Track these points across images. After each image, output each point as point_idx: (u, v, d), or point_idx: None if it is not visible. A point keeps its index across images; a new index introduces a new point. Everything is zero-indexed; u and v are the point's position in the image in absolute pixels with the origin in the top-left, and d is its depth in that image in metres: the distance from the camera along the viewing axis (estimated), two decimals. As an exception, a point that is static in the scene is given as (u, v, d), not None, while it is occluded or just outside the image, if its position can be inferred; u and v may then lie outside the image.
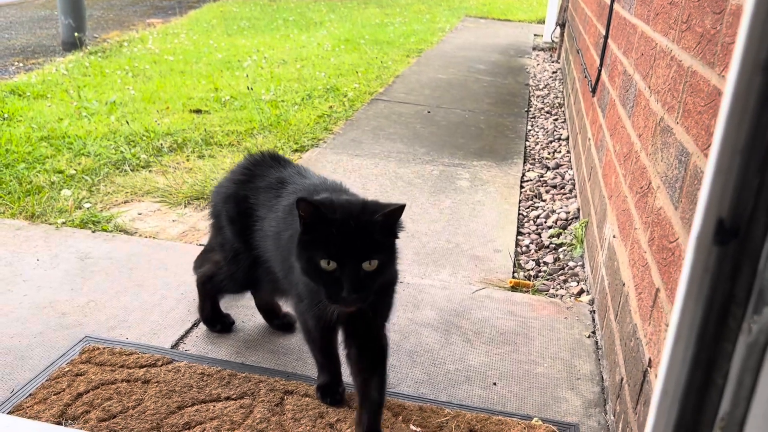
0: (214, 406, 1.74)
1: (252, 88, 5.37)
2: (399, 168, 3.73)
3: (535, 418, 1.76)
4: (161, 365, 1.90)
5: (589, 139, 3.30)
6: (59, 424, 1.65)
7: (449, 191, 3.44)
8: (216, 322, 2.12)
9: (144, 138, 4.03)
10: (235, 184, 1.93)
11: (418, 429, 1.70)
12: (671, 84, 1.71)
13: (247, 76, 5.89)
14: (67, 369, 1.85)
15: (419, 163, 3.85)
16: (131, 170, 3.52)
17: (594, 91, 3.40)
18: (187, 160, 3.72)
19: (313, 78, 5.91)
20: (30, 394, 1.74)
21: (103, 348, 1.95)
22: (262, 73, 6.09)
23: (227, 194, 1.94)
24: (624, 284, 1.90)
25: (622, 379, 1.75)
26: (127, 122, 4.25)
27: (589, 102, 3.59)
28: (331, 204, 1.49)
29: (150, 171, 3.55)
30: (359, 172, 3.62)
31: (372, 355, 1.66)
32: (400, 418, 1.74)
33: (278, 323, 2.16)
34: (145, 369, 1.87)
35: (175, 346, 2.04)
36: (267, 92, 5.29)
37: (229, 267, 1.95)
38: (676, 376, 0.63)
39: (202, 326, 2.13)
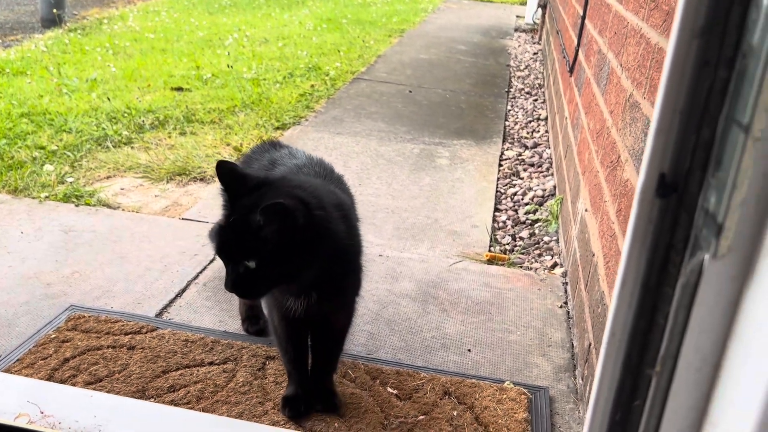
0: (198, 371, 1.80)
1: (232, 66, 5.38)
2: (380, 146, 3.78)
3: (507, 382, 1.84)
4: (146, 332, 1.95)
5: (566, 118, 3.37)
6: (47, 387, 1.70)
7: (429, 169, 3.50)
8: (246, 320, 2.03)
9: (125, 115, 4.03)
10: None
11: (395, 391, 1.77)
12: (640, 61, 1.78)
13: (229, 54, 5.89)
14: (53, 336, 1.90)
15: (400, 141, 3.90)
16: (113, 146, 3.53)
17: (572, 70, 3.46)
18: (169, 137, 3.74)
19: (294, 57, 5.92)
20: (18, 359, 1.78)
21: (89, 316, 1.99)
22: (244, 52, 6.08)
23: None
24: (594, 254, 1.98)
25: (590, 345, 1.83)
26: (108, 99, 4.25)
27: (566, 82, 3.66)
28: (239, 186, 1.40)
29: (132, 147, 3.57)
30: (340, 150, 3.67)
31: (330, 344, 1.73)
32: (378, 381, 1.81)
33: (255, 328, 2.01)
34: (130, 336, 1.93)
35: (159, 314, 2.09)
36: (249, 70, 5.30)
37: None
38: (622, 319, 0.69)
39: (186, 296, 2.18)
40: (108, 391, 1.69)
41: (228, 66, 5.38)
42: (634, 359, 0.69)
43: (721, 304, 0.61)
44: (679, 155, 0.59)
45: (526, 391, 1.80)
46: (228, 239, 1.38)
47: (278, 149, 1.94)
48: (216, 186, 3.13)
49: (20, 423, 1.11)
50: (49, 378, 1.72)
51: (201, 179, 3.22)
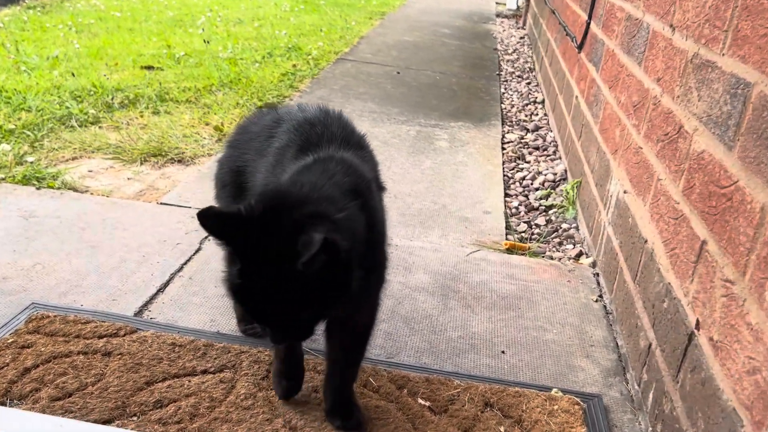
0: (190, 381, 1.50)
1: (209, 42, 5.03)
2: (373, 128, 3.49)
3: (555, 389, 1.58)
4: (124, 335, 1.64)
5: (576, 97, 3.12)
6: (2, 404, 1.38)
7: (428, 152, 3.22)
8: (243, 320, 1.75)
9: (92, 93, 3.66)
10: (227, 145, 1.64)
11: (427, 403, 1.49)
12: (710, 14, 1.52)
13: (203, 30, 5.52)
14: (10, 341, 1.57)
15: (394, 123, 3.61)
16: (79, 126, 3.18)
17: (581, 47, 3.21)
18: (141, 116, 3.39)
19: (273, 37, 5.58)
20: (-34, 370, 1.46)
21: (54, 316, 1.67)
22: (218, 32, 5.72)
23: (219, 159, 1.66)
24: (646, 241, 1.73)
25: (650, 345, 1.57)
26: (73, 74, 3.87)
27: (573, 60, 3.41)
28: (238, 228, 1.07)
29: (100, 127, 3.22)
30: (331, 131, 3.37)
31: (350, 348, 1.42)
32: (405, 391, 1.52)
33: (254, 329, 1.72)
34: (105, 339, 1.61)
35: (139, 313, 1.77)
36: (224, 50, 4.95)
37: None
38: None
39: (169, 291, 1.87)
40: (80, 409, 1.38)
41: (204, 42, 5.02)
42: None
43: None
44: None
45: (579, 401, 1.54)
46: (264, 298, 1.08)
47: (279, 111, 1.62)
48: (197, 168, 2.81)
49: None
50: (6, 393, 1.40)
51: (179, 161, 2.89)
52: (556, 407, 1.50)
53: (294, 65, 4.66)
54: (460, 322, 1.86)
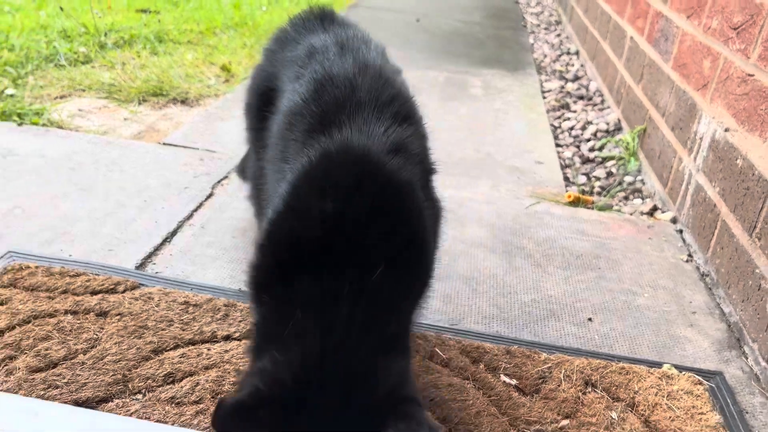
0: (209, 350, 1.17)
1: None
2: (397, 73, 3.13)
3: (666, 365, 1.26)
4: (123, 291, 1.30)
5: (632, 38, 2.76)
6: (-33, 377, 1.05)
7: (463, 98, 2.87)
8: None
9: (83, 34, 3.28)
10: (263, 55, 1.33)
11: (513, 381, 1.17)
12: None
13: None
14: (-21, 296, 1.23)
15: (420, 68, 3.25)
16: (69, 64, 2.80)
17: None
18: (138, 56, 3.02)
19: (278, -17, 5.17)
20: None
21: (36, 267, 1.33)
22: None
23: (255, 66, 1.33)
24: (763, 188, 1.40)
25: None
26: (61, 8, 3.48)
27: (623, 1, 3.05)
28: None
29: (92, 66, 2.85)
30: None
31: None
32: (482, 365, 1.20)
33: None
34: (100, 296, 1.27)
35: (142, 266, 1.44)
36: (226, -6, 4.54)
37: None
38: None
39: (177, 242, 1.53)
40: (68, 384, 1.05)
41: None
42: None
43: None
44: None
45: (701, 378, 1.22)
46: None
47: (324, 27, 1.27)
48: (203, 109, 2.46)
49: None
50: (-30, 363, 1.07)
51: (182, 101, 2.53)
52: (675, 387, 1.18)
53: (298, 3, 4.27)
54: (531, 283, 1.53)
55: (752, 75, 1.58)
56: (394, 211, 0.87)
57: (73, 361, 1.11)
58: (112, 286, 1.30)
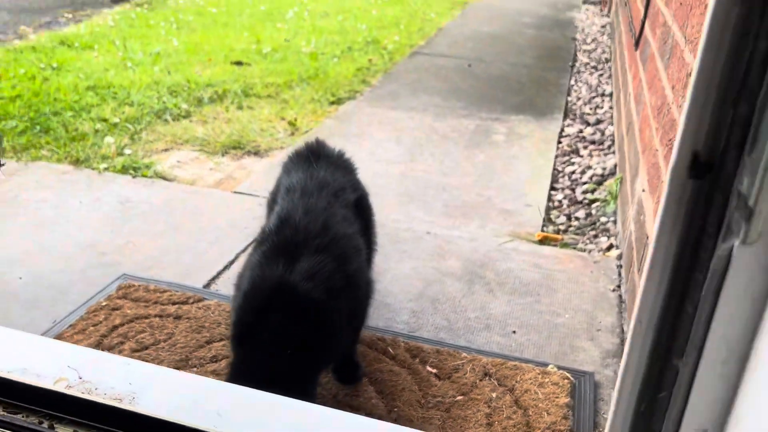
0: (240, 343, 1.82)
1: (289, 41, 5.38)
2: (435, 122, 3.72)
3: (551, 365, 1.79)
4: (192, 303, 1.99)
5: (629, 94, 3.23)
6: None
7: (484, 145, 3.43)
8: None
9: (185, 88, 4.10)
10: (281, 170, 1.86)
11: (434, 370, 1.75)
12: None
13: (288, 28, 5.90)
14: (104, 303, 1.95)
15: (456, 117, 3.83)
16: (172, 119, 3.60)
17: (637, 44, 3.31)
18: (227, 111, 3.78)
19: (354, 30, 5.88)
20: (70, 325, 1.85)
21: (139, 285, 2.05)
22: (304, 25, 6.09)
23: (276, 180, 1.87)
24: (647, 237, 1.89)
25: None
26: (169, 73, 4.33)
27: (632, 56, 3.51)
28: None
29: (190, 120, 3.63)
30: (394, 125, 3.63)
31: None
32: (418, 359, 1.79)
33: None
34: (177, 306, 1.97)
35: (207, 285, 2.12)
36: (308, 44, 5.30)
37: None
38: (650, 305, 0.65)
39: (234, 268, 2.21)
40: (153, 359, 1.73)
41: (285, 40, 5.39)
42: (661, 349, 0.66)
43: (750, 293, 0.56)
44: (714, 133, 0.54)
45: (570, 375, 1.75)
46: None
47: (311, 162, 1.76)
48: (269, 161, 3.16)
49: (59, 387, 1.15)
50: (98, 344, 1.77)
51: (255, 153, 3.25)
52: (547, 380, 1.72)
53: (370, 60, 4.94)
54: (479, 304, 2.09)
55: (657, 150, 2.07)
56: (302, 319, 1.41)
57: (157, 346, 1.79)
58: (185, 299, 1.99)
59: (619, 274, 2.31)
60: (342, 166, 1.80)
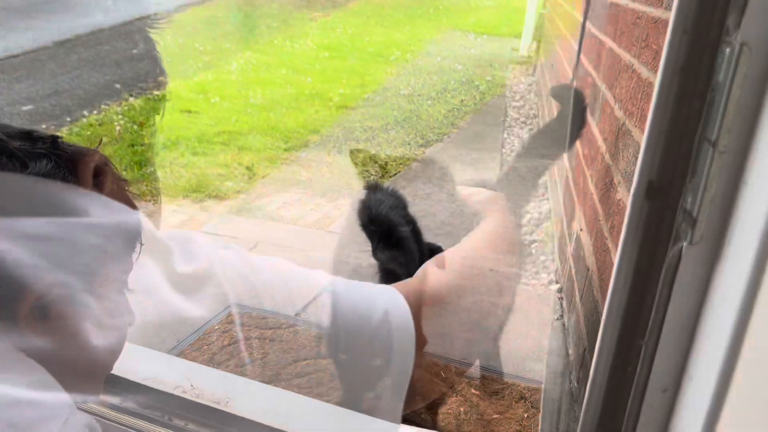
0: (321, 362, 2.25)
1: (388, 87, 5.86)
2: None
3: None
4: (285, 328, 2.45)
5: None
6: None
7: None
8: None
9: (294, 134, 4.65)
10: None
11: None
12: (632, 93, 1.92)
13: (389, 71, 6.39)
14: (217, 327, 2.45)
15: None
16: (281, 164, 4.15)
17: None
18: (328, 155, 4.28)
19: (451, 70, 6.27)
20: (190, 344, 2.36)
21: (244, 313, 2.54)
22: (406, 66, 6.55)
23: None
24: (588, 269, 2.14)
25: (584, 350, 2.01)
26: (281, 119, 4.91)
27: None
28: None
29: (299, 165, 4.16)
30: (475, 166, 3.98)
31: None
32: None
33: None
34: (272, 330, 2.43)
35: (298, 314, 2.57)
36: (406, 87, 5.74)
37: None
38: (618, 299, 0.79)
39: (319, 299, 2.66)
40: (250, 373, 2.20)
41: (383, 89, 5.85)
42: (628, 332, 0.80)
43: (696, 282, 0.73)
44: (664, 166, 0.71)
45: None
46: None
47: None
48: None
49: (177, 392, 1.61)
50: (210, 361, 2.27)
51: (349, 195, 3.71)
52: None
53: (462, 100, 5.31)
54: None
55: (592, 193, 2.30)
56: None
57: (254, 363, 2.26)
58: (278, 325, 2.46)
59: (561, 306, 2.54)
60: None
